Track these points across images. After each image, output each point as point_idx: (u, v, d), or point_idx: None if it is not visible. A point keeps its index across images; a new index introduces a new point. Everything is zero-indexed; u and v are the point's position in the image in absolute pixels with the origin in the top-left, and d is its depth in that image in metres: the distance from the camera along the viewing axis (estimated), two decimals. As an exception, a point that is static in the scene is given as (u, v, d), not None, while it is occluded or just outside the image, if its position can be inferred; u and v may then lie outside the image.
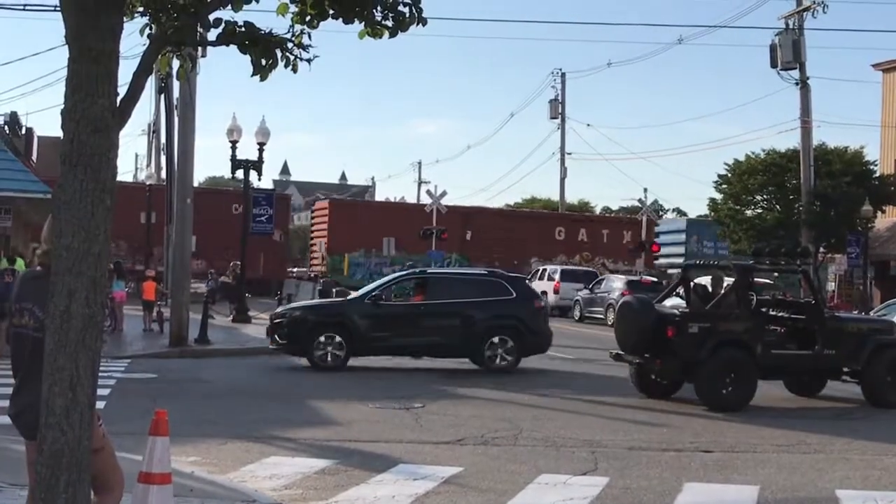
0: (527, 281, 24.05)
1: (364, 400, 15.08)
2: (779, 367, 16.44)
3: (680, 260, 51.99)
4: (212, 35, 5.81)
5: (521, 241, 52.67)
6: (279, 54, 5.95)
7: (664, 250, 55.48)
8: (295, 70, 6.09)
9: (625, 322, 16.54)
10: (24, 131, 39.78)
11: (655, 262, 55.92)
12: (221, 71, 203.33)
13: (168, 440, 6.46)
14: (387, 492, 9.20)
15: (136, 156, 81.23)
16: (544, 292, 43.30)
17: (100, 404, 11.66)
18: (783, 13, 42.65)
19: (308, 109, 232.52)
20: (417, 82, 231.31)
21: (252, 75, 5.94)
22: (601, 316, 37.30)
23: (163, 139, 42.15)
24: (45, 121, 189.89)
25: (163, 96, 38.96)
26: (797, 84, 42.62)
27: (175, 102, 32.00)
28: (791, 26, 42.20)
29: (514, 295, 20.53)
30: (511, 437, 12.35)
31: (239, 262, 32.22)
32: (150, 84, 38.80)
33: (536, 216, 62.87)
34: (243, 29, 5.75)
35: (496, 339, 19.97)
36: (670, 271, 47.95)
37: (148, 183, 44.79)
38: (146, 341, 24.36)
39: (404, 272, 25.53)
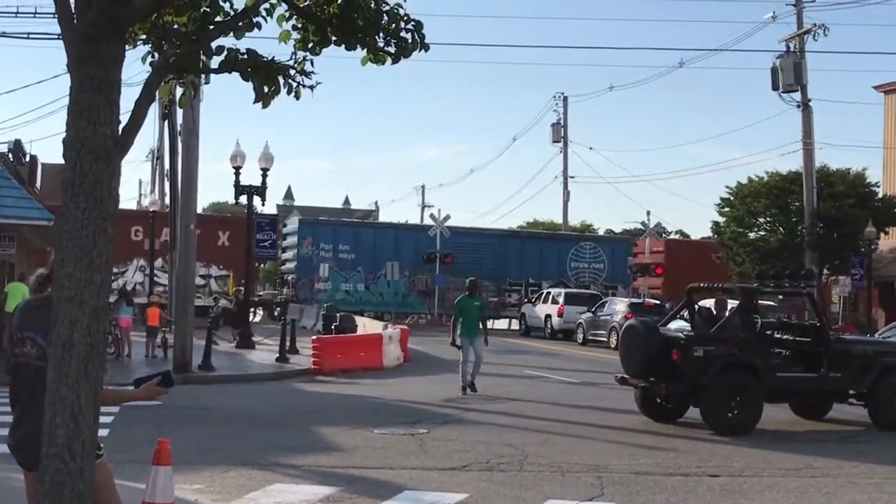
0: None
1: (368, 426, 15.01)
2: (784, 390, 16.35)
3: (294, 264, 48.79)
4: (214, 63, 5.80)
5: None
6: (281, 81, 5.95)
7: (289, 254, 51.43)
8: (298, 97, 6.08)
9: (629, 345, 16.42)
10: (28, 159, 39.76)
11: (281, 266, 51.85)
12: (225, 96, 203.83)
13: (171, 469, 6.43)
14: (391, 519, 9.14)
15: (140, 182, 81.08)
16: (549, 315, 43.39)
17: (103, 432, 11.59)
18: (784, 36, 42.93)
19: (312, 135, 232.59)
20: (421, 107, 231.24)
21: (254, 102, 5.93)
22: (604, 339, 37.19)
23: (167, 165, 42.17)
24: (50, 148, 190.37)
25: (166, 122, 39.06)
26: (799, 106, 42.77)
27: (179, 128, 32.07)
28: (792, 49, 42.40)
29: None
30: (517, 462, 12.27)
31: (242, 288, 32.23)
32: (154, 110, 38.96)
33: None
34: (245, 56, 5.75)
35: None
36: (289, 277, 45.51)
37: (151, 209, 44.56)
38: (150, 368, 24.27)
39: None
